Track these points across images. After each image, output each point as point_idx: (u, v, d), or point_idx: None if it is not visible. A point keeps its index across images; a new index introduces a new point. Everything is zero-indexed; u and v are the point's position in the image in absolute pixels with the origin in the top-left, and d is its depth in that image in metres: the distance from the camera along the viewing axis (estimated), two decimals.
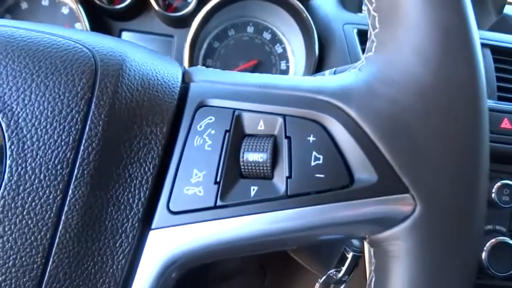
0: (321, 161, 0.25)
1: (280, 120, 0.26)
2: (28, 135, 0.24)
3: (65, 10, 0.76)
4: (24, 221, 0.24)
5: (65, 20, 0.76)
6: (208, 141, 0.26)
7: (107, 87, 0.26)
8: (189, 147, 0.26)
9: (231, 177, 0.26)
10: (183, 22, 0.75)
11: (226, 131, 0.26)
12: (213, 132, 0.26)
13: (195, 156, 0.26)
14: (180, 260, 0.25)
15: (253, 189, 0.25)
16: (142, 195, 0.26)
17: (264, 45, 0.79)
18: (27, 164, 0.24)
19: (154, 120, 0.26)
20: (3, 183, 0.24)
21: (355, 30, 0.71)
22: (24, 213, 0.24)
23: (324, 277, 0.42)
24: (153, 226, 0.26)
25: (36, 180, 0.24)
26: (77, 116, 0.25)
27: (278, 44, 0.79)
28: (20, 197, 0.24)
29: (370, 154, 0.25)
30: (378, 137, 0.25)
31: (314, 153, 0.25)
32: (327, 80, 0.28)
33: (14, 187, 0.24)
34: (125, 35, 0.77)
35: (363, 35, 0.70)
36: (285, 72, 0.79)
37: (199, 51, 0.77)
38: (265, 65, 0.79)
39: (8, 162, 0.24)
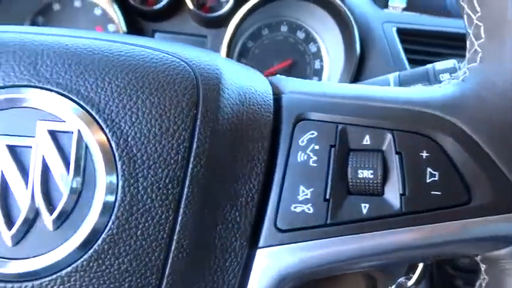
0: (436, 178, 0.24)
1: (388, 135, 0.25)
2: (138, 154, 0.23)
3: (97, 11, 0.75)
4: (138, 242, 0.23)
5: (97, 21, 0.75)
6: (312, 157, 0.26)
7: (210, 103, 0.25)
8: (292, 163, 0.26)
9: (340, 194, 0.25)
10: (217, 22, 0.74)
11: (331, 146, 0.26)
12: (316, 147, 0.26)
13: (299, 172, 0.25)
14: (289, 278, 0.25)
15: (365, 206, 0.24)
16: (249, 212, 0.25)
17: (298, 44, 0.78)
18: (139, 184, 0.23)
19: (255, 135, 0.26)
20: (117, 205, 0.23)
21: (394, 29, 0.71)
22: (138, 234, 0.23)
23: (394, 286, 0.41)
24: (260, 244, 0.25)
25: (149, 200, 0.23)
26: (184, 133, 0.24)
27: (312, 43, 0.78)
28: (133, 217, 0.23)
29: (486, 169, 0.24)
30: (493, 151, 0.24)
31: (429, 169, 0.24)
32: (430, 91, 0.27)
33: (127, 208, 0.23)
34: (158, 35, 0.76)
35: (402, 34, 0.69)
36: (319, 71, 0.78)
37: (233, 51, 0.76)
38: (299, 65, 0.78)
39: (120, 182, 0.23)
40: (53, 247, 0.23)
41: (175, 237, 0.23)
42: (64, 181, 0.23)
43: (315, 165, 0.25)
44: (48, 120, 0.23)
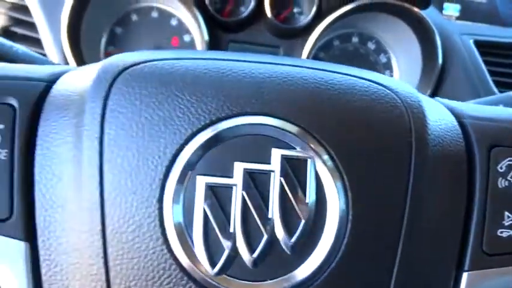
0: None
1: None
2: (366, 183, 0.24)
3: (173, 22, 0.76)
4: (365, 267, 0.24)
5: (173, 31, 0.76)
6: None
7: (419, 132, 0.26)
8: (493, 189, 0.27)
9: None
10: (292, 33, 0.75)
11: None
12: None
13: (502, 198, 0.26)
14: None
15: None
16: (455, 238, 0.26)
17: (369, 55, 0.79)
18: (368, 212, 0.24)
19: (450, 166, 0.27)
20: (348, 232, 0.24)
21: (471, 41, 0.71)
22: (366, 259, 0.24)
23: None
24: (466, 268, 0.26)
25: (375, 226, 0.24)
26: (404, 163, 0.25)
27: (382, 54, 0.79)
28: (362, 243, 0.24)
29: None
30: None
31: None
32: None
33: (357, 235, 0.24)
34: (232, 46, 0.77)
35: (481, 47, 0.70)
36: None
37: None
38: None
39: (351, 211, 0.24)
40: (291, 270, 0.24)
41: (397, 260, 0.24)
42: (301, 207, 0.24)
43: None
44: (282, 148, 0.24)
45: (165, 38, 0.76)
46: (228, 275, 0.23)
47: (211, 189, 0.23)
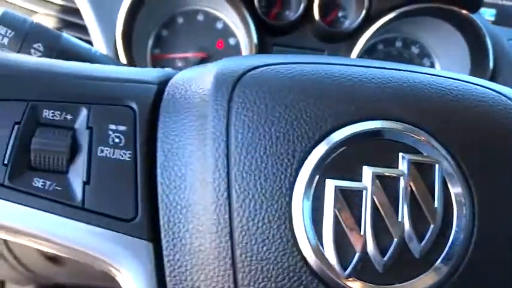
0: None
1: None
2: (491, 186, 0.24)
3: (219, 25, 0.77)
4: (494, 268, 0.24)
5: (219, 34, 0.77)
6: None
7: None
8: None
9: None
10: (338, 37, 0.75)
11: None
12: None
13: None
14: None
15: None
16: None
17: (413, 60, 0.79)
18: (496, 209, 0.24)
19: None
20: (475, 233, 0.24)
21: None
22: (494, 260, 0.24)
23: None
24: None
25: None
26: None
27: (426, 58, 0.79)
28: (489, 244, 0.24)
29: None
30: None
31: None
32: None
33: (484, 236, 0.24)
34: (276, 49, 0.77)
35: None
36: None
37: None
38: None
39: (477, 214, 0.24)
40: (419, 274, 0.24)
41: None
42: (430, 212, 0.24)
43: None
44: (409, 152, 0.24)
45: (210, 41, 0.77)
46: (358, 278, 0.24)
47: (341, 192, 0.24)
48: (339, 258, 0.23)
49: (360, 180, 0.24)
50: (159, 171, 0.26)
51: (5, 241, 0.81)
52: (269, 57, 0.29)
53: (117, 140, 0.26)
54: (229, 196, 0.24)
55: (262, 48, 0.75)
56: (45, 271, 0.92)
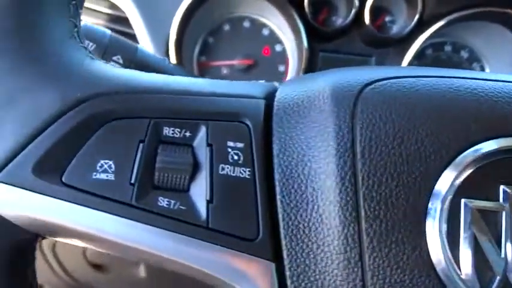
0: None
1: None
2: None
3: (265, 31, 0.76)
4: None
5: (265, 41, 0.76)
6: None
7: None
8: None
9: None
10: (387, 42, 0.74)
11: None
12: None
13: None
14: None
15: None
16: None
17: (462, 64, 0.78)
18: None
19: None
20: None
21: None
22: None
23: None
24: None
25: None
26: None
27: (475, 63, 0.78)
28: None
29: None
30: None
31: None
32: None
33: None
34: (323, 55, 0.77)
35: None
36: None
37: None
38: None
39: None
40: None
41: None
42: None
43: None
44: None
45: (257, 48, 0.76)
46: None
47: (478, 212, 0.23)
48: (479, 281, 0.22)
49: (497, 200, 0.23)
50: (278, 188, 0.25)
51: (53, 245, 0.81)
52: (379, 70, 0.28)
53: (236, 157, 0.25)
54: (357, 216, 0.23)
55: (309, 54, 0.74)
56: (87, 278, 0.92)
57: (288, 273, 0.24)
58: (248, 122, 0.26)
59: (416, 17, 0.69)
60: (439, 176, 0.23)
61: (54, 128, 0.24)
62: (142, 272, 0.77)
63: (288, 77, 0.76)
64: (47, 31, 0.25)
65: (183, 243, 0.24)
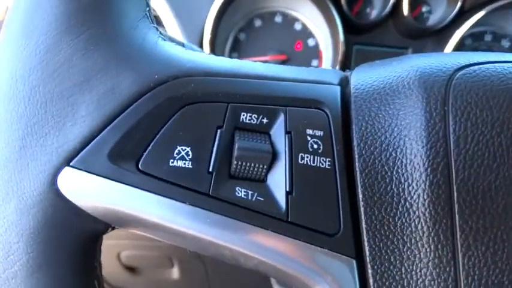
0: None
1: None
2: None
3: (297, 26, 0.74)
4: None
5: (297, 36, 0.74)
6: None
7: None
8: None
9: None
10: (425, 33, 0.71)
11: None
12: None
13: None
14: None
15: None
16: None
17: None
18: None
19: None
20: None
21: None
22: None
23: None
24: None
25: None
26: None
27: None
28: None
29: None
30: None
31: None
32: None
33: None
34: (357, 48, 0.74)
35: None
36: None
37: None
38: None
39: None
40: None
41: None
42: None
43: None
44: None
45: (289, 43, 0.74)
46: None
47: None
48: None
49: None
50: (359, 180, 0.23)
51: None
52: (465, 55, 0.26)
53: (315, 146, 0.23)
54: (451, 211, 0.21)
55: (344, 47, 0.72)
56: (121, 281, 0.91)
57: (370, 271, 0.22)
58: (326, 110, 0.24)
59: (458, 6, 0.66)
60: None
61: (130, 111, 0.22)
62: (175, 274, 0.76)
63: None
64: (121, 11, 0.24)
65: (262, 237, 0.22)
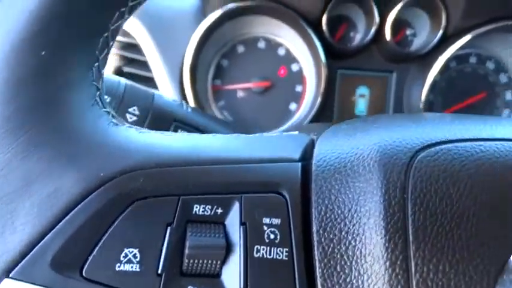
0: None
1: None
2: None
3: (281, 51, 0.73)
4: None
5: (281, 61, 0.73)
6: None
7: None
8: None
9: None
10: (409, 57, 0.70)
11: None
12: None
13: None
14: None
15: None
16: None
17: (488, 76, 0.74)
18: None
19: None
20: None
21: None
22: None
23: None
24: None
25: None
26: None
27: (502, 73, 0.74)
28: None
29: None
30: None
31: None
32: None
33: None
34: (341, 73, 0.74)
35: None
36: (510, 103, 0.74)
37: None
38: (489, 97, 0.74)
39: None
40: None
41: None
42: None
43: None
44: None
45: (272, 69, 0.73)
46: None
47: None
48: None
49: None
50: (318, 271, 0.22)
51: None
52: (432, 125, 0.25)
53: (272, 236, 0.22)
54: None
55: (327, 73, 0.71)
56: None
57: None
58: (285, 193, 0.23)
59: (440, 32, 0.66)
60: (507, 263, 0.20)
61: (74, 214, 0.21)
62: None
63: (306, 98, 0.73)
64: (66, 104, 0.23)
65: None
